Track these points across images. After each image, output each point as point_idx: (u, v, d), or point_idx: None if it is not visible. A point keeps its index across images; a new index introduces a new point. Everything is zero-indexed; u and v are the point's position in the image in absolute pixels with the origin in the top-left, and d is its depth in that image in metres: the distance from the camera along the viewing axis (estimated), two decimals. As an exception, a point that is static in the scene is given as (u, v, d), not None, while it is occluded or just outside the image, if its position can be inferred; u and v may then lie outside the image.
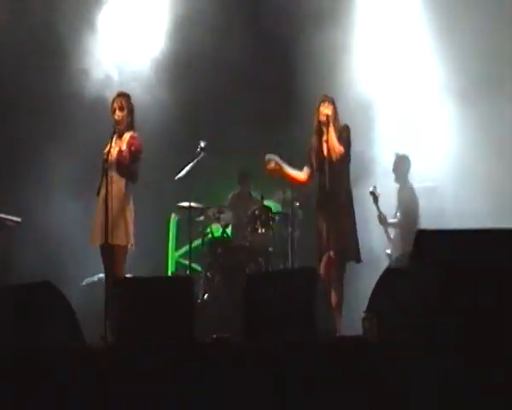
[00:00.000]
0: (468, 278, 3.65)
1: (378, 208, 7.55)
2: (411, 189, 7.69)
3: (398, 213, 7.70)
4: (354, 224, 6.19)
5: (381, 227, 7.68)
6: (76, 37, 8.42)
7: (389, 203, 7.69)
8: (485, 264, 3.66)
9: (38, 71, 8.24)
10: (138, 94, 7.50)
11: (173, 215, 9.07)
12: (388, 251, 7.68)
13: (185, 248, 8.50)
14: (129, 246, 6.05)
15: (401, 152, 7.74)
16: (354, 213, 6.21)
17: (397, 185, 7.74)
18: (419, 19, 8.54)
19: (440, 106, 8.29)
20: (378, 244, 7.67)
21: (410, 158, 7.72)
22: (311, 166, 6.36)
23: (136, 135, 6.21)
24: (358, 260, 6.17)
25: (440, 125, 8.27)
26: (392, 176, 7.73)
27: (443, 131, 8.23)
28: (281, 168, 6.40)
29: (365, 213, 7.28)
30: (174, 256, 9.20)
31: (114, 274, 5.91)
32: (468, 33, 7.86)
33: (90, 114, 7.96)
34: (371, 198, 7.49)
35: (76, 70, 8.42)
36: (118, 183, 6.07)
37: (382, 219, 7.60)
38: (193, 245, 7.83)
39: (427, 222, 7.34)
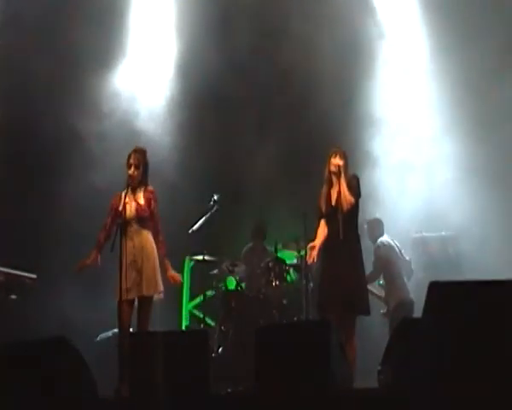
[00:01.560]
0: (481, 330, 3.64)
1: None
2: (376, 246, 7.80)
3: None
4: (364, 276, 6.25)
5: None
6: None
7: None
8: (497, 316, 3.66)
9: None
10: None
11: (187, 259, 9.05)
12: (383, 311, 7.78)
13: (199, 299, 8.52)
14: (159, 294, 6.18)
15: (372, 217, 7.90)
16: (363, 264, 6.25)
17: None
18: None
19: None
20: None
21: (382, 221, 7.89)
22: (325, 210, 6.38)
23: (151, 188, 6.28)
24: (368, 312, 6.18)
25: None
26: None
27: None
28: (316, 247, 6.34)
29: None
30: (188, 307, 9.21)
31: (141, 327, 5.96)
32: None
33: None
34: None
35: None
36: (141, 235, 6.15)
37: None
38: (207, 295, 7.86)
39: (443, 272, 7.40)
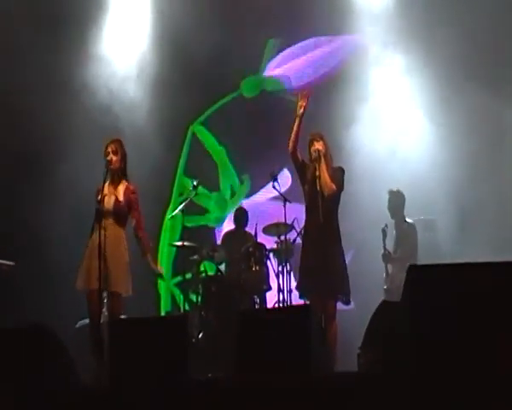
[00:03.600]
0: (459, 313, 3.68)
1: (384, 246, 7.59)
2: (409, 224, 7.78)
3: (399, 250, 7.74)
4: (345, 263, 6.23)
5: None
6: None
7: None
8: (475, 298, 3.70)
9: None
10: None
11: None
12: (385, 287, 7.69)
13: (180, 278, 8.58)
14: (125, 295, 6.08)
15: (394, 188, 7.82)
16: (343, 254, 6.25)
17: (393, 221, 7.80)
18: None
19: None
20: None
21: (404, 193, 7.81)
22: (302, 161, 6.36)
23: (132, 187, 6.23)
24: (348, 302, 6.18)
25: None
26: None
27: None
28: (301, 115, 6.25)
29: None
30: (168, 283, 9.27)
31: (113, 315, 5.91)
32: None
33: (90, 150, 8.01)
34: (381, 235, 7.55)
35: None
36: (115, 229, 6.09)
37: (386, 256, 7.64)
38: (186, 279, 7.88)
39: (423, 256, 7.46)
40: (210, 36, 8.67)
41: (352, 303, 6.23)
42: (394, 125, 8.79)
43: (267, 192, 8.90)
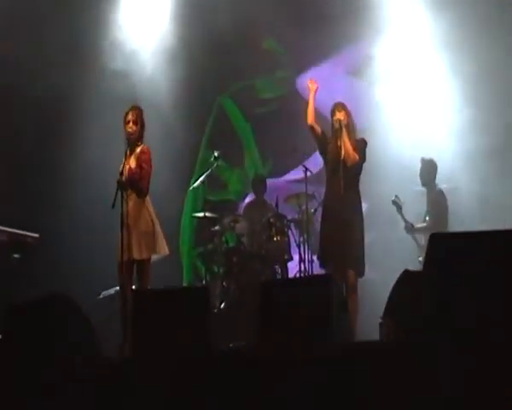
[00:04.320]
0: (481, 279, 3.64)
1: (403, 217, 7.47)
2: (440, 192, 7.64)
3: (428, 217, 7.61)
4: (363, 237, 6.21)
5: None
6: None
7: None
8: (498, 266, 3.66)
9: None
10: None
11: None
12: (421, 258, 7.26)
13: (201, 249, 8.65)
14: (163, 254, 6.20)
15: (427, 157, 7.69)
16: (363, 222, 6.21)
17: (424, 190, 7.70)
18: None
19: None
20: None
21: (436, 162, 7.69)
22: (321, 132, 6.35)
23: (146, 149, 6.22)
24: (362, 273, 6.16)
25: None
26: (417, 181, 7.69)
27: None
28: (313, 95, 6.37)
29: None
30: (191, 254, 9.29)
31: (142, 286, 5.99)
32: None
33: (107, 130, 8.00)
34: (394, 208, 7.44)
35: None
36: (133, 200, 6.11)
37: (409, 228, 7.50)
38: (208, 250, 7.92)
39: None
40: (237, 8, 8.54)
41: (375, 273, 6.23)
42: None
43: (290, 176, 8.89)
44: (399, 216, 7.46)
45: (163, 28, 9.09)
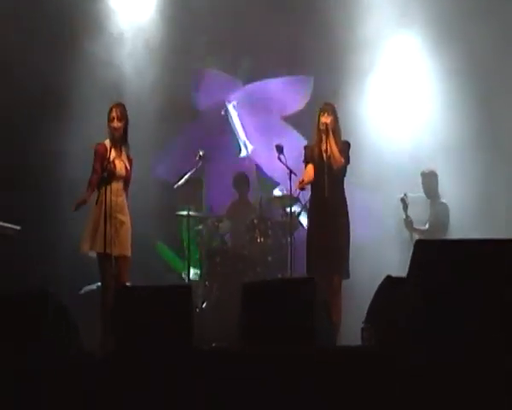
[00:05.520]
0: (466, 288, 3.66)
1: (406, 213, 7.73)
2: (443, 204, 7.88)
3: (428, 224, 7.88)
4: (349, 239, 6.21)
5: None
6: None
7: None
8: (482, 274, 3.68)
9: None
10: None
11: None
12: None
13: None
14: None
15: (426, 170, 7.91)
16: (349, 225, 6.22)
17: (428, 201, 7.97)
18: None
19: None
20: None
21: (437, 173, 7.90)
22: (313, 162, 6.32)
23: (131, 157, 6.34)
24: (347, 276, 6.19)
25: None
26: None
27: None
28: (305, 181, 6.36)
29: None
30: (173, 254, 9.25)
31: (120, 282, 5.98)
32: None
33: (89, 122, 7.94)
34: (401, 205, 7.71)
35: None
36: (123, 196, 6.22)
37: (408, 224, 7.76)
38: (191, 250, 7.86)
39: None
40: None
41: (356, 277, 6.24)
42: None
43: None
44: (404, 212, 7.75)
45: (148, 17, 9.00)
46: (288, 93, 9.10)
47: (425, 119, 8.52)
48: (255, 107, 9.23)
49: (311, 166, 6.28)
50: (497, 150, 8.06)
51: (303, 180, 6.22)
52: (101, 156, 6.15)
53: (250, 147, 9.25)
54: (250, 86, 9.34)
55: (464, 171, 8.02)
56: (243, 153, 9.26)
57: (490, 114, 8.11)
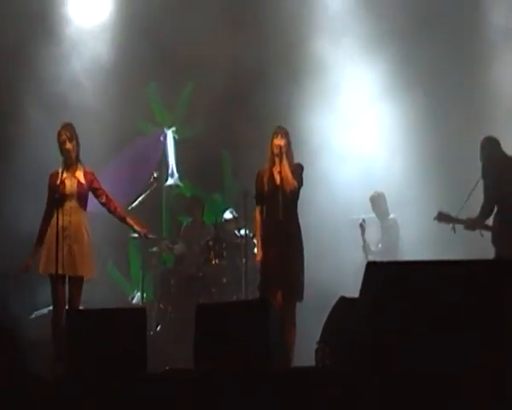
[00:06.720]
0: (417, 310, 3.73)
1: (364, 239, 8.04)
2: (392, 219, 8.14)
3: (380, 244, 8.15)
4: (303, 262, 6.24)
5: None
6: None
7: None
8: (433, 296, 3.76)
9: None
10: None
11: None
12: None
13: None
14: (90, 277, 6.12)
15: (375, 193, 8.15)
16: (303, 248, 6.26)
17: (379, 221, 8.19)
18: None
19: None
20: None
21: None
22: (260, 203, 6.36)
23: (90, 171, 6.26)
24: (301, 298, 6.22)
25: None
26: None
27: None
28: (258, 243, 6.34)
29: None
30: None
31: (73, 305, 5.91)
32: None
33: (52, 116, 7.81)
34: (360, 230, 8.02)
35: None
36: (78, 213, 6.10)
37: (367, 248, 8.06)
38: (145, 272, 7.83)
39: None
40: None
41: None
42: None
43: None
44: (361, 238, 8.06)
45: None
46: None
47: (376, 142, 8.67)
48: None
49: (258, 213, 6.32)
50: (450, 174, 8.22)
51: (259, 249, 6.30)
52: (51, 187, 6.11)
53: (176, 175, 9.31)
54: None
55: (417, 194, 8.16)
56: (169, 182, 9.29)
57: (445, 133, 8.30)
